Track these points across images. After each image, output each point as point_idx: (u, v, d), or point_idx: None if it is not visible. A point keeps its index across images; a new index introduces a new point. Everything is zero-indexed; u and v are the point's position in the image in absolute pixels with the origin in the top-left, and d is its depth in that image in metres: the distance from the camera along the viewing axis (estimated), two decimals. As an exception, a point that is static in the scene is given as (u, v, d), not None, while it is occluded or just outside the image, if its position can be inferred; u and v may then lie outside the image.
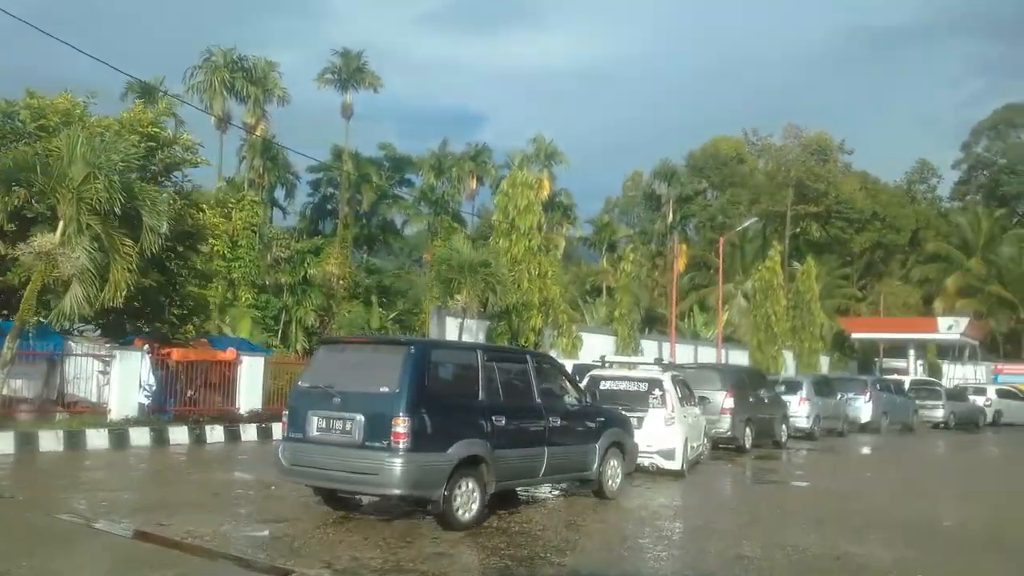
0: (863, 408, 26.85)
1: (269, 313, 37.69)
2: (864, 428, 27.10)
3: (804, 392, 23.45)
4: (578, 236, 65.07)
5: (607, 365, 15.38)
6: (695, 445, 14.72)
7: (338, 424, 8.62)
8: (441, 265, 22.44)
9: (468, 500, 8.75)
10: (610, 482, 11.13)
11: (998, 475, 15.71)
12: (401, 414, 8.23)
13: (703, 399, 16.22)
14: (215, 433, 15.45)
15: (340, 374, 9.07)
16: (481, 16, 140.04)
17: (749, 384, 19.90)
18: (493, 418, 9.20)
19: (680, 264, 63.52)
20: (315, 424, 8.76)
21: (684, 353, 34.93)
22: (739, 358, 38.91)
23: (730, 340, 45.01)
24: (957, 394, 32.06)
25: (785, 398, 22.65)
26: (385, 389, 8.51)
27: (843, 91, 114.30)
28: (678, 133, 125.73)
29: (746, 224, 45.77)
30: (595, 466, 10.75)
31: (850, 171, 59.58)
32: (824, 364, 45.13)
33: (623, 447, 11.49)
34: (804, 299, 42.20)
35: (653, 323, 56.13)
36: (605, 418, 11.29)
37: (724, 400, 18.23)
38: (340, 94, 50.52)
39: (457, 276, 21.49)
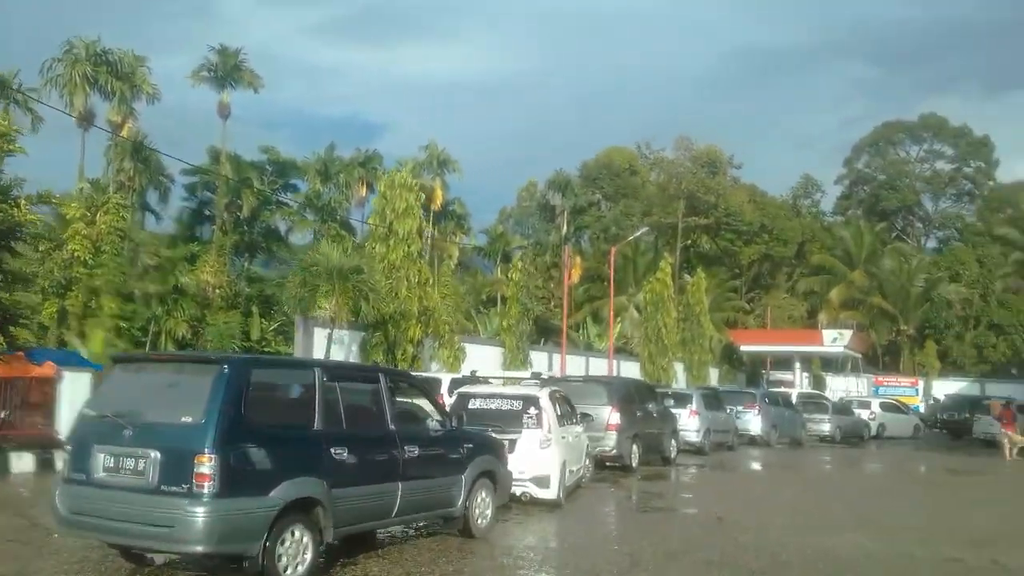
0: (753, 422, 26.43)
1: (136, 324, 34.92)
2: (754, 442, 26.68)
3: (694, 405, 22.73)
4: (472, 246, 63.90)
5: (481, 381, 13.98)
6: (574, 469, 13.48)
7: (129, 463, 6.90)
8: (306, 271, 20.63)
9: (297, 552, 7.20)
10: (479, 519, 9.71)
11: (888, 497, 15.07)
12: (207, 450, 6.60)
13: (585, 416, 15.03)
14: (22, 462, 13.22)
15: (136, 400, 7.38)
16: (376, 27, 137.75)
17: (637, 398, 18.90)
18: (333, 451, 7.67)
19: (574, 275, 63.17)
20: (101, 462, 7.03)
21: (575, 365, 34.00)
22: (631, 370, 38.28)
23: (623, 352, 44.56)
24: (843, 408, 32.18)
25: (674, 411, 21.85)
26: (188, 419, 6.87)
27: (732, 110, 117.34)
28: (573, 147, 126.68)
29: (637, 234, 45.43)
30: (460, 501, 9.33)
31: (739, 184, 60.44)
32: (713, 376, 45.14)
33: (495, 477, 10.11)
34: (694, 311, 42.06)
35: (548, 334, 55.33)
36: (474, 444, 9.89)
37: (610, 416, 17.14)
38: (217, 93, 47.86)
39: (325, 283, 19.74)
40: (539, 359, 31.40)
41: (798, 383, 45.50)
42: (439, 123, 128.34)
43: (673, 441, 20.14)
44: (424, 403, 9.83)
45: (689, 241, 58.25)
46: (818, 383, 48.25)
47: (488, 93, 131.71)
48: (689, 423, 22.35)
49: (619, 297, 56.33)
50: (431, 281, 23.76)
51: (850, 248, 57.35)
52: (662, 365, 37.70)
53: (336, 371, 8.70)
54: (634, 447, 17.65)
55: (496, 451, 10.42)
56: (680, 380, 40.47)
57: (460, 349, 24.29)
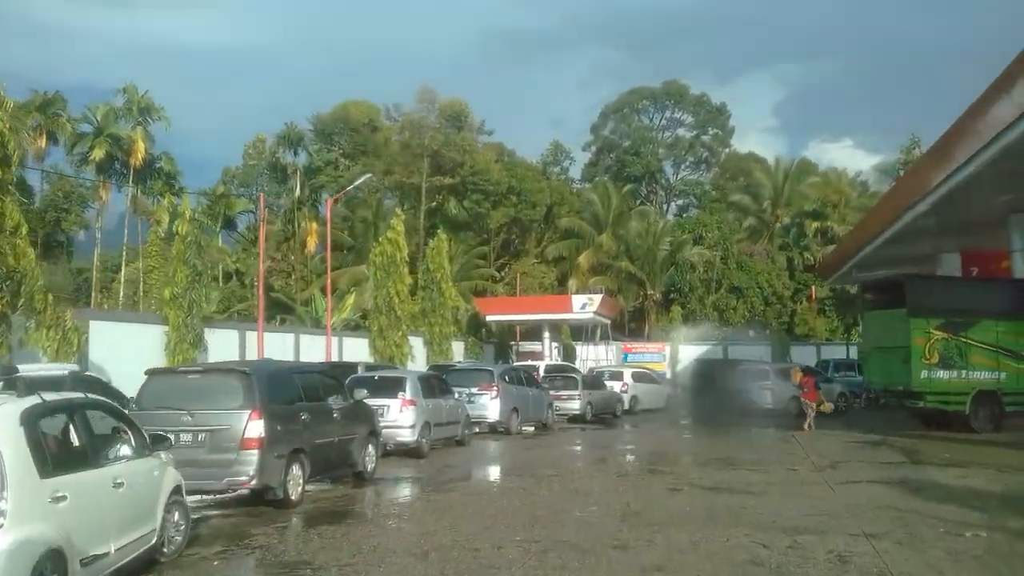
0: (489, 406, 20.93)
1: None
2: (494, 430, 21.30)
3: (408, 393, 16.68)
4: (185, 210, 54.24)
5: None
6: (100, 551, 6.72)
7: None
8: None
9: None
10: None
11: (667, 533, 9.82)
12: None
13: (160, 440, 8.28)
14: None
15: None
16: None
17: (303, 392, 12.37)
18: None
19: (310, 243, 55.67)
20: None
21: (280, 345, 26.93)
22: (357, 348, 31.88)
23: (360, 328, 38.24)
24: (594, 381, 27.67)
25: (380, 403, 15.80)
26: None
27: (488, 87, 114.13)
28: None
29: (358, 182, 38.48)
30: None
31: (487, 144, 55.50)
32: (458, 350, 39.83)
33: None
34: (435, 278, 36.26)
35: (288, 312, 47.93)
36: None
37: (248, 425, 10.56)
38: None
39: None
40: (225, 339, 24.00)
41: (547, 354, 41.27)
42: (184, 91, 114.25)
43: (371, 447, 13.96)
44: None
45: (434, 203, 52.50)
46: (568, 353, 44.45)
47: (239, 61, 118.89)
48: (401, 417, 16.33)
49: (359, 267, 49.70)
50: (23, 231, 15.73)
51: (598, 211, 54.28)
52: (395, 340, 31.55)
53: None
54: (293, 469, 11.20)
55: None
56: (419, 357, 34.70)
57: (74, 329, 16.47)
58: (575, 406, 25.54)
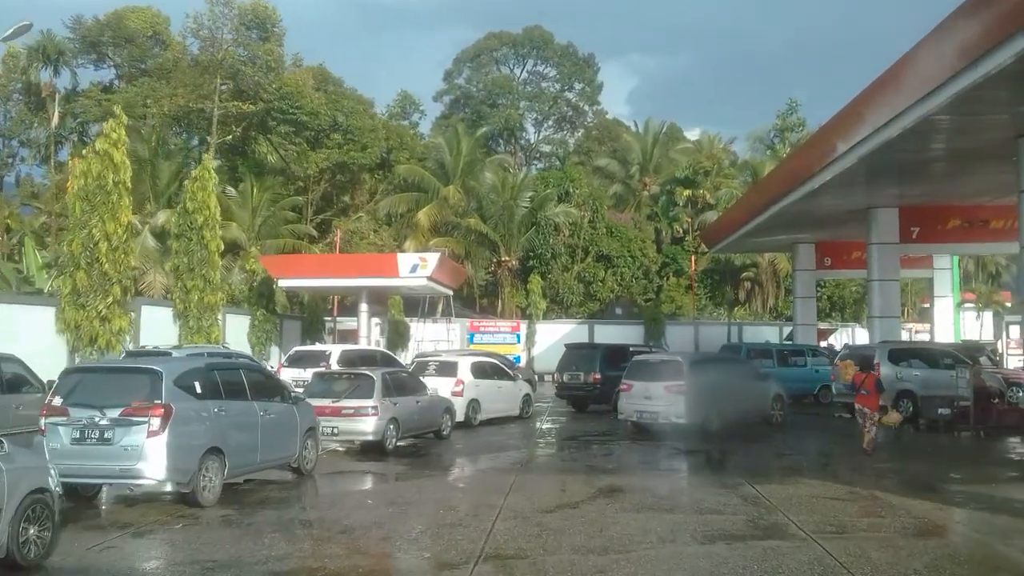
0: (148, 449, 9.24)
1: None
2: (184, 498, 9.75)
3: None
4: None
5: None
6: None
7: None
8: None
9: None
10: None
11: None
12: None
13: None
14: None
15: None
16: None
17: None
18: None
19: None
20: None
21: None
22: (41, 322, 19.29)
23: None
24: (405, 381, 15.99)
25: None
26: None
27: (348, 58, 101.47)
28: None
29: (6, 36, 24.61)
30: None
31: (304, 65, 42.66)
32: (239, 329, 27.63)
33: None
34: (194, 222, 23.91)
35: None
36: None
37: None
38: None
39: None
40: None
41: (366, 334, 29.62)
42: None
43: None
44: None
45: (230, 137, 39.41)
46: (399, 332, 33.04)
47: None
48: None
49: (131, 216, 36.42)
50: None
51: (445, 159, 42.78)
52: (99, 310, 19.14)
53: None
54: None
55: None
56: (164, 336, 22.43)
57: None
58: (367, 427, 14.07)
